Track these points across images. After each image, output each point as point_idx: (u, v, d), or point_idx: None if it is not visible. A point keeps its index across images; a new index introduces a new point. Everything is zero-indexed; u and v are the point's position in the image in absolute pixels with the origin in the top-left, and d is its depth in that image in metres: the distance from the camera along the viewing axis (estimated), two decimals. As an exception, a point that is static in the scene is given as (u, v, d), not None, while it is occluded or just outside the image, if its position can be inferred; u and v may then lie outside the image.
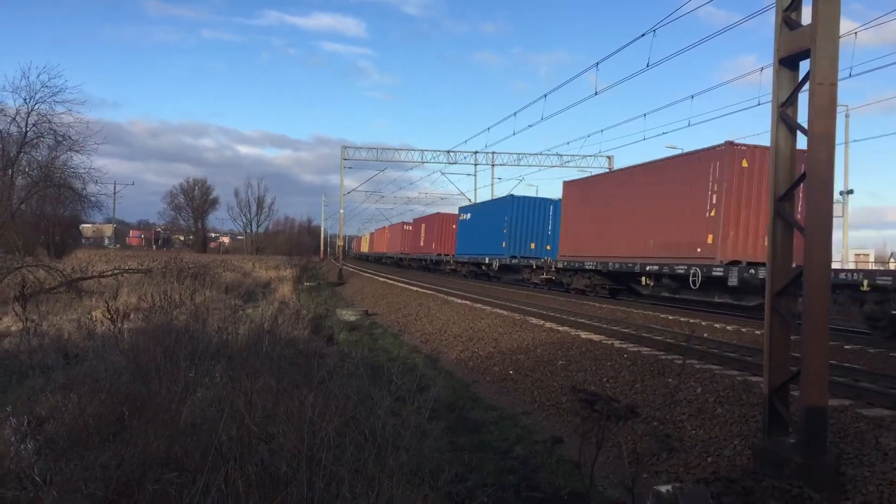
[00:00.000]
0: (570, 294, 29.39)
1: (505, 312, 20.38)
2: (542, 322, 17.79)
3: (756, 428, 8.02)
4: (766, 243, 7.58)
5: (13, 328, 14.19)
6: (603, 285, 27.84)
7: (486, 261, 40.71)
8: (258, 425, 6.04)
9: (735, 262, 19.37)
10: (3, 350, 11.98)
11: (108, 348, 11.70)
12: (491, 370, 14.51)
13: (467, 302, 24.32)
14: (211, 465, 5.15)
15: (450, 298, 26.09)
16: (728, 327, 16.77)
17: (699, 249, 20.74)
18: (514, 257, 37.10)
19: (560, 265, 30.59)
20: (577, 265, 28.75)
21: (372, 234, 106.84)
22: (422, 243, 58.53)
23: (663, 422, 9.27)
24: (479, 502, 6.25)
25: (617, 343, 13.91)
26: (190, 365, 8.99)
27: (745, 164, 19.95)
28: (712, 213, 20.28)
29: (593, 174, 33.26)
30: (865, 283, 14.68)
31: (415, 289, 32.56)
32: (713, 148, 20.57)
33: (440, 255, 52.32)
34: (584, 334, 15.33)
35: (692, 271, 20.45)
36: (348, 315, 24.49)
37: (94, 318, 15.07)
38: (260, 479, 5.18)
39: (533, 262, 34.31)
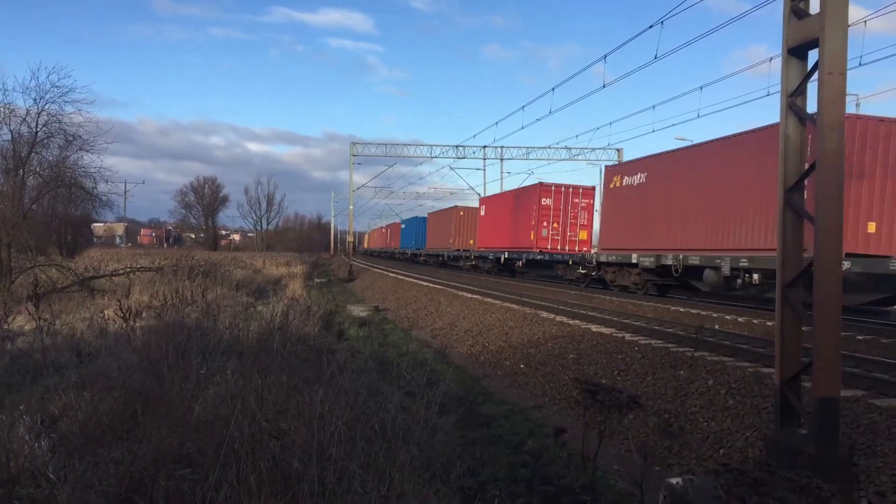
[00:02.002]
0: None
1: (515, 307, 20.37)
2: (552, 316, 17.77)
3: (768, 419, 7.99)
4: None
5: (27, 327, 14.27)
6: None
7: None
8: (269, 421, 6.06)
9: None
10: (16, 349, 12.05)
11: (121, 346, 11.78)
12: (501, 364, 14.52)
13: (477, 297, 24.32)
14: (223, 461, 5.18)
15: (460, 293, 26.10)
16: (739, 319, 16.70)
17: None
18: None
19: (603, 259, 27.41)
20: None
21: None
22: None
23: (675, 414, 9.26)
24: (491, 496, 6.26)
25: (628, 336, 13.88)
26: (201, 362, 9.03)
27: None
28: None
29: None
30: None
31: (425, 284, 32.59)
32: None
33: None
34: (594, 327, 15.30)
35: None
36: (358, 311, 24.58)
37: (107, 317, 15.16)
38: (271, 475, 5.21)
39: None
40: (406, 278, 38.56)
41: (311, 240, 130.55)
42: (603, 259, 27.14)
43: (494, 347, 15.99)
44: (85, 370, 10.06)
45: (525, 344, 15.27)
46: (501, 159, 55.66)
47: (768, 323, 15.16)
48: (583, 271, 29.44)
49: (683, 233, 22.10)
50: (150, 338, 11.63)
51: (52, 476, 5.41)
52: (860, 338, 13.49)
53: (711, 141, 22.03)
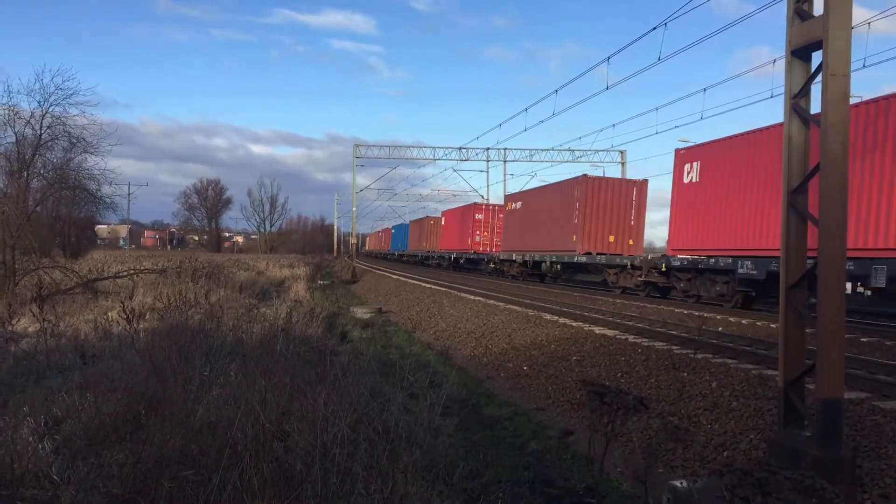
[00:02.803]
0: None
1: (518, 308, 20.36)
2: (555, 318, 17.76)
3: (772, 421, 7.98)
4: None
5: (30, 329, 14.30)
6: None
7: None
8: (273, 423, 6.07)
9: None
10: (20, 350, 12.07)
11: (124, 348, 11.79)
12: (505, 366, 14.51)
13: (480, 298, 24.31)
14: (226, 462, 5.19)
15: (463, 295, 26.10)
16: (742, 321, 16.68)
17: None
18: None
19: (675, 263, 22.86)
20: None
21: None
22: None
23: (679, 416, 9.24)
24: (494, 498, 6.25)
25: (631, 338, 13.87)
26: (205, 364, 9.05)
27: None
28: None
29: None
30: None
31: (428, 286, 32.59)
32: None
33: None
34: (598, 329, 15.29)
35: None
36: (362, 313, 24.56)
37: (110, 319, 15.18)
38: (275, 476, 5.21)
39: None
40: (409, 280, 38.57)
41: (315, 242, 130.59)
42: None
43: (497, 349, 15.99)
44: (88, 372, 10.07)
45: (528, 346, 15.27)
46: (505, 161, 55.67)
47: (772, 325, 15.14)
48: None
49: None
50: (154, 340, 11.64)
51: (55, 477, 5.42)
52: (864, 340, 13.47)
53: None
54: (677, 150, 24.37)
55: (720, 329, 15.28)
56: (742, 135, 20.95)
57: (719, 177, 21.54)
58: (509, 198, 44.07)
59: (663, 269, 23.56)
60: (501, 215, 45.17)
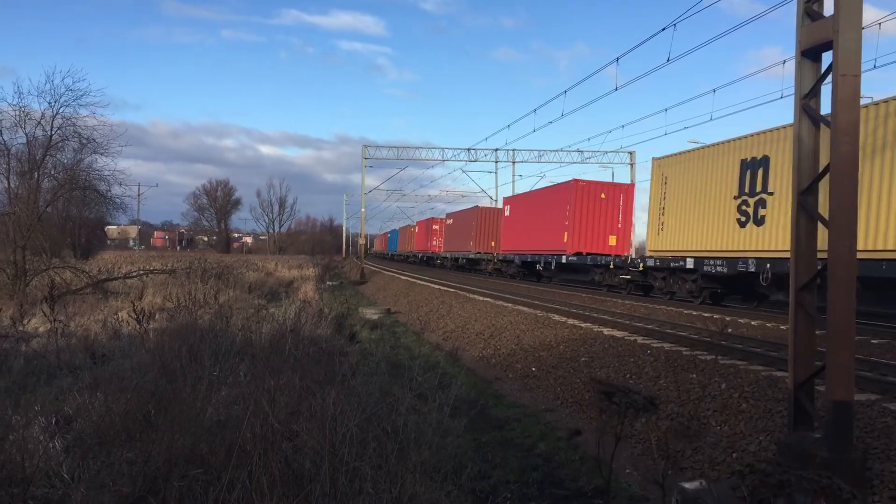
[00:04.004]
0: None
1: (527, 309, 20.34)
2: (564, 319, 17.74)
3: (781, 423, 7.95)
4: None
5: (41, 329, 14.40)
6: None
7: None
8: (282, 423, 6.08)
9: None
10: (31, 350, 12.15)
11: (134, 348, 11.86)
12: (513, 367, 14.50)
13: (489, 299, 24.31)
14: (235, 462, 5.20)
15: (471, 296, 26.10)
16: (752, 322, 16.62)
17: None
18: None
19: (650, 263, 24.29)
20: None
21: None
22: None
23: (688, 417, 9.22)
24: (503, 499, 6.26)
25: (640, 339, 13.84)
26: (214, 363, 9.08)
27: None
28: None
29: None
30: None
31: (436, 287, 32.60)
32: None
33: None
34: (606, 330, 15.26)
35: None
36: (370, 313, 24.59)
37: (121, 319, 15.27)
38: (284, 476, 5.22)
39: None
40: (418, 281, 38.60)
41: (323, 242, 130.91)
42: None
43: (506, 350, 15.98)
44: (99, 371, 10.13)
45: (536, 347, 15.25)
46: (513, 162, 55.69)
47: (782, 327, 15.07)
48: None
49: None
50: (164, 339, 11.69)
51: (66, 476, 5.46)
52: (874, 342, 13.40)
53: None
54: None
55: (729, 331, 15.23)
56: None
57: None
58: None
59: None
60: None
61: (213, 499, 4.86)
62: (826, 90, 6.96)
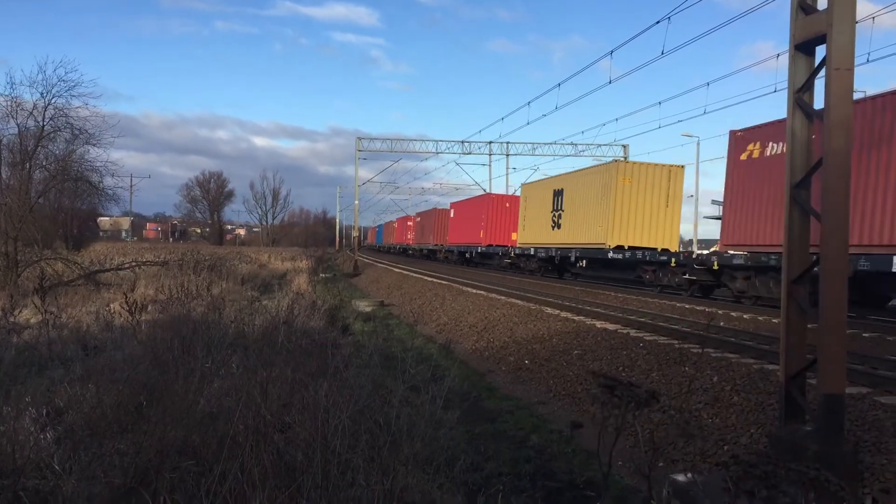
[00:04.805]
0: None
1: (520, 302, 20.36)
2: (557, 311, 17.77)
3: (773, 416, 7.98)
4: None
5: (33, 320, 14.31)
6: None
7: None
8: (274, 414, 6.08)
9: None
10: (22, 341, 12.08)
11: (126, 339, 11.82)
12: (506, 360, 14.52)
13: (482, 292, 24.32)
14: (227, 453, 5.19)
15: (465, 289, 26.10)
16: (745, 315, 16.68)
17: None
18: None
19: (518, 252, 24.25)
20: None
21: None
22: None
23: (680, 410, 9.25)
24: (495, 491, 6.26)
25: (633, 332, 13.87)
26: (206, 355, 9.07)
27: None
28: None
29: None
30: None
31: (430, 279, 32.60)
32: None
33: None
34: (599, 323, 15.30)
35: None
36: (363, 306, 24.59)
37: (113, 310, 15.19)
38: (276, 468, 5.22)
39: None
40: (411, 274, 38.57)
41: (317, 235, 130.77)
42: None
43: (499, 343, 16.00)
44: (90, 363, 10.09)
45: (530, 339, 15.28)
46: (507, 155, 55.64)
47: (773, 320, 15.13)
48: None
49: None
50: (156, 331, 11.67)
51: (57, 467, 5.44)
52: (866, 335, 13.46)
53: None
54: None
55: (721, 324, 15.28)
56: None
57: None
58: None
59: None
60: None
61: (204, 490, 4.85)
62: (820, 84, 6.97)
